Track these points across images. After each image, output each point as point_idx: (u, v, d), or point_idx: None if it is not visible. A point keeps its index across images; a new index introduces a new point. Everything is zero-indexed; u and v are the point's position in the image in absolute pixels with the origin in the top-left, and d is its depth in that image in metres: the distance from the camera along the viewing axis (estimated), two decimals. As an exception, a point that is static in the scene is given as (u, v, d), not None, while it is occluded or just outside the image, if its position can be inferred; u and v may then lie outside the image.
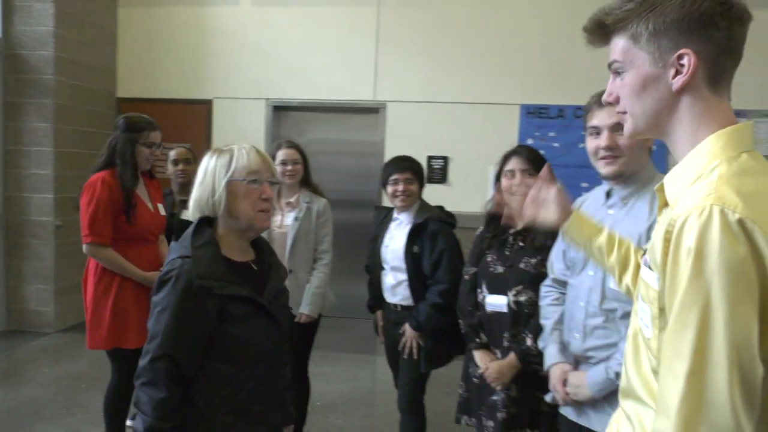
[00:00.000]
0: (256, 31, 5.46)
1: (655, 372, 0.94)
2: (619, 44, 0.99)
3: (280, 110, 5.57)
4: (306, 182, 2.96)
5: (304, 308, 2.81)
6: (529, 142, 5.14)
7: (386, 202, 4.90)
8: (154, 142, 2.70)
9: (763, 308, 0.81)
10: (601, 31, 1.01)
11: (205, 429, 1.40)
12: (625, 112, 1.02)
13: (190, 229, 1.49)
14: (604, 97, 1.06)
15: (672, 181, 0.97)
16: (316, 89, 5.42)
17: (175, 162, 3.37)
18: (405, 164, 2.62)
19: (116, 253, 2.58)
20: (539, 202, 1.48)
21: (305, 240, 2.86)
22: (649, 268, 0.96)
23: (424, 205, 2.65)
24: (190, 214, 1.54)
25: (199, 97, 5.55)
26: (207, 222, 1.52)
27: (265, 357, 1.50)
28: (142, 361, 1.38)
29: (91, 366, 4.21)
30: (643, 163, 1.68)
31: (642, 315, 0.99)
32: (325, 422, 3.42)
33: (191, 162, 3.34)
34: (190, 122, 5.56)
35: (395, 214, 2.70)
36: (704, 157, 0.92)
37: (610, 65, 1.02)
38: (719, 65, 0.93)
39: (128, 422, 3.22)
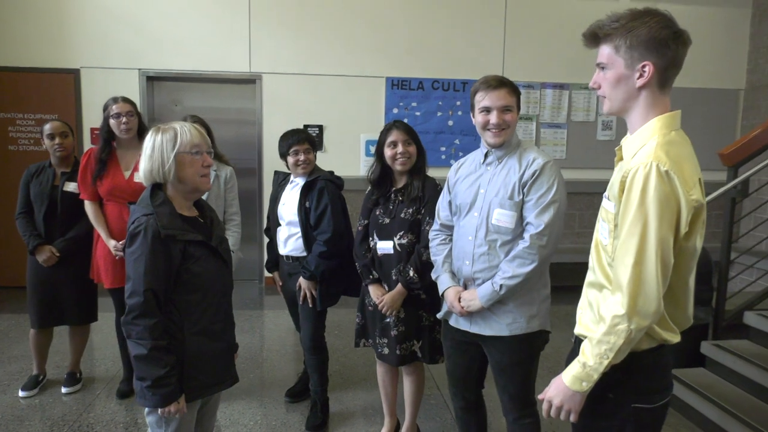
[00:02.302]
0: (124, -1, 5.34)
1: (610, 265, 1.43)
2: (605, 51, 1.42)
3: (154, 80, 5.53)
4: None
5: None
6: (395, 111, 5.71)
7: (268, 168, 5.20)
8: (119, 112, 3.11)
9: (678, 222, 1.32)
10: (594, 38, 1.45)
11: (180, 349, 1.76)
12: (604, 96, 1.46)
13: (146, 192, 1.80)
14: (591, 84, 1.51)
15: (627, 146, 1.45)
16: (191, 60, 5.46)
17: (51, 136, 3.27)
18: (303, 136, 2.99)
19: (91, 207, 3.17)
20: None
21: (215, 204, 3.16)
22: (608, 198, 1.45)
23: (316, 169, 3.07)
24: (143, 181, 1.84)
25: (64, 66, 5.32)
26: (158, 187, 1.83)
27: (218, 287, 1.88)
28: (132, 300, 1.69)
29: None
30: (513, 133, 2.21)
31: (601, 231, 1.48)
32: (230, 368, 3.77)
33: (68, 135, 3.31)
34: (56, 93, 5.33)
35: (292, 178, 3.10)
36: (649, 131, 1.40)
37: (598, 64, 1.46)
38: (667, 74, 1.39)
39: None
